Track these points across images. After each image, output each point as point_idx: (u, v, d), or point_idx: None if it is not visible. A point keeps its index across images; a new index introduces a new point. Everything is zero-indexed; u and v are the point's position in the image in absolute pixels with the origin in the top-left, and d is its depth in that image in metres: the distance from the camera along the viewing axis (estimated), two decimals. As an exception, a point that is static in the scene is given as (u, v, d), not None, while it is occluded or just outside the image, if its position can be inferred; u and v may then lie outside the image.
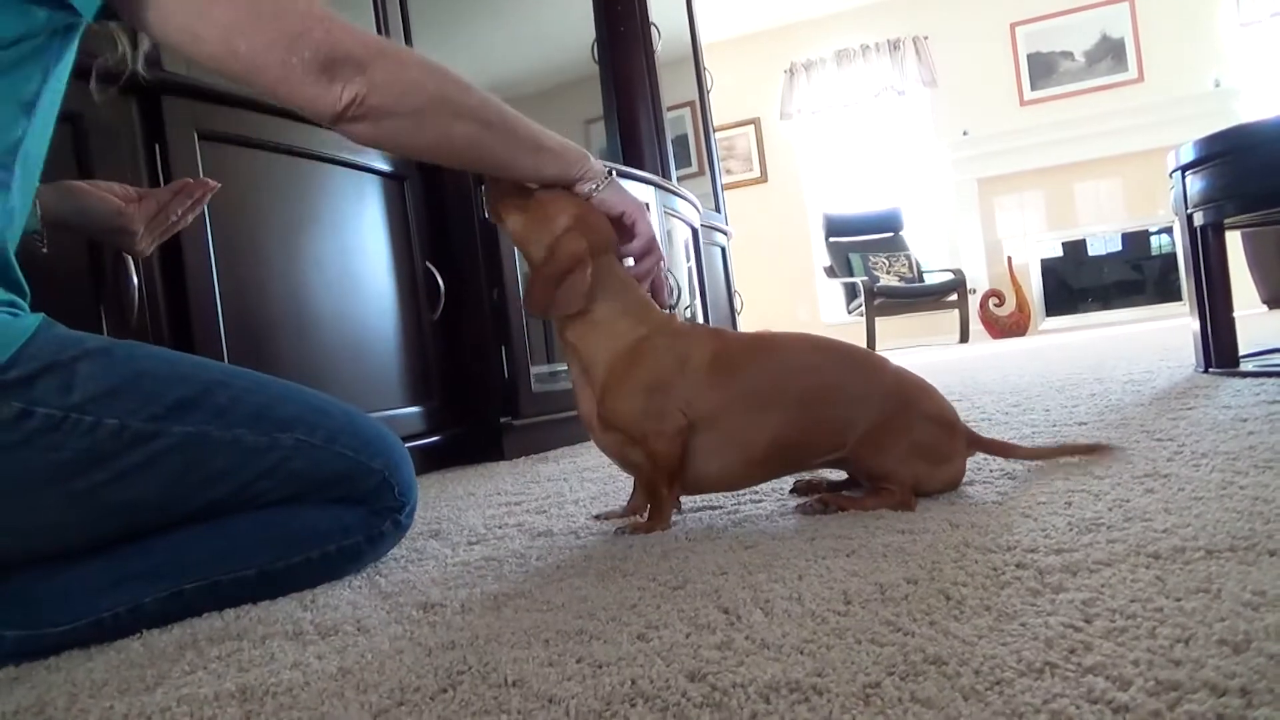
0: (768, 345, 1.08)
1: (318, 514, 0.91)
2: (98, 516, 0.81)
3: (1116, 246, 7.18)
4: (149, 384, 0.81)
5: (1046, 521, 0.84)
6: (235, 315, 1.54)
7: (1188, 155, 2.00)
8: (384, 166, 1.92)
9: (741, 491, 1.19)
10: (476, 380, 2.04)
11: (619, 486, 1.39)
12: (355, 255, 1.83)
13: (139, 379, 0.81)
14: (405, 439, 1.82)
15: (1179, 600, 0.58)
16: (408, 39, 2.09)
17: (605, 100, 3.38)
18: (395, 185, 1.97)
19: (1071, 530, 0.80)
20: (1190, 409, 1.50)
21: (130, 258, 1.35)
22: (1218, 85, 6.70)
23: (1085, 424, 1.48)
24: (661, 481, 1.00)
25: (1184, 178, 2.03)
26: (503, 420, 2.02)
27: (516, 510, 1.29)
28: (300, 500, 0.91)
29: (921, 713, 0.47)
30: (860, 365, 1.09)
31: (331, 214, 1.79)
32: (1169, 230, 6.89)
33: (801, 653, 0.57)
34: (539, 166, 0.98)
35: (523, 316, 2.07)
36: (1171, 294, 6.95)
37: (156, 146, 1.45)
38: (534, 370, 2.10)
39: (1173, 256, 6.91)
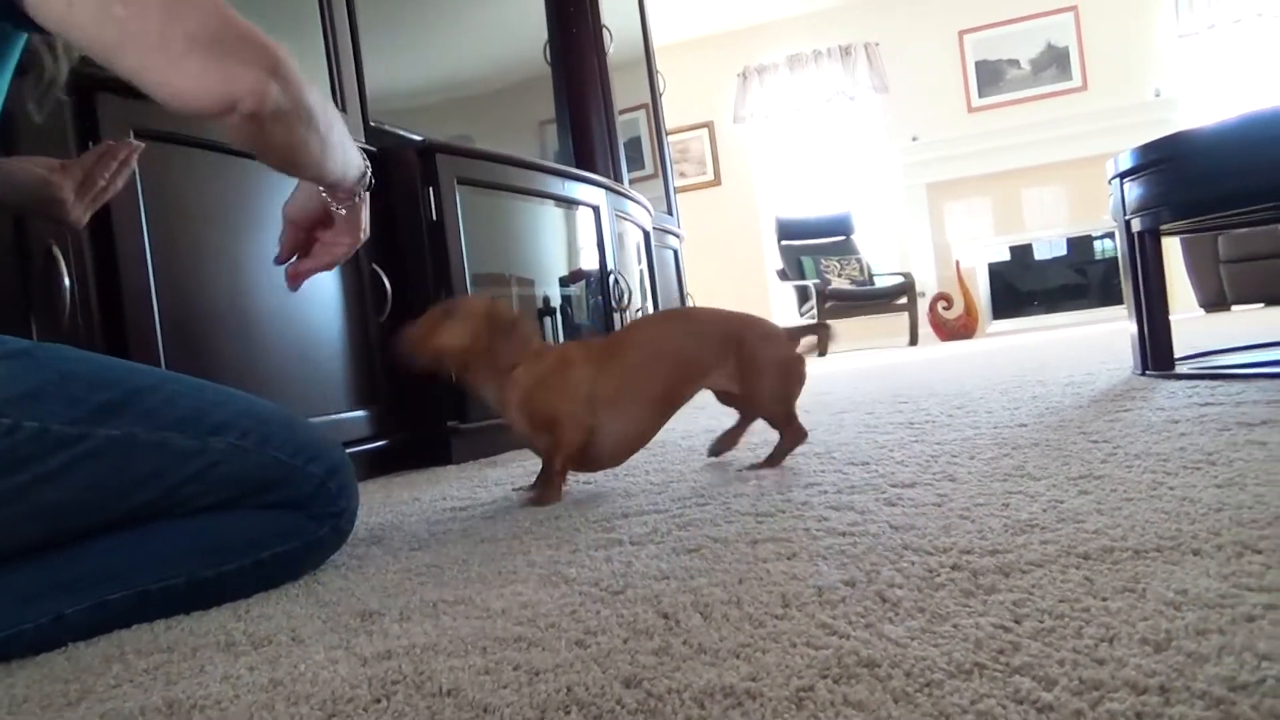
0: (624, 336, 1.44)
1: (252, 520, 0.89)
2: (17, 522, 0.78)
3: (1061, 251, 7.35)
4: (73, 387, 0.79)
5: (983, 523, 0.85)
6: (173, 317, 1.51)
7: (1126, 163, 2.05)
8: (329, 166, 1.90)
9: (688, 497, 1.20)
10: (423, 384, 2.02)
11: (566, 490, 1.38)
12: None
13: (63, 381, 0.79)
14: (351, 443, 1.80)
15: (1105, 600, 0.60)
16: (354, 39, 2.07)
17: (557, 102, 3.37)
18: (341, 186, 1.94)
19: (1007, 531, 0.81)
20: (1126, 411, 1.54)
21: (61, 258, 1.32)
22: (1158, 95, 6.89)
23: (1026, 425, 1.51)
24: (559, 463, 1.30)
25: (1123, 185, 2.08)
26: (450, 424, 2.01)
27: (461, 515, 1.27)
28: (234, 506, 0.90)
29: (853, 715, 0.48)
30: (695, 318, 1.45)
31: (275, 215, 1.75)
32: (1112, 235, 7.07)
33: (737, 657, 0.58)
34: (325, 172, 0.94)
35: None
36: (1114, 297, 7.13)
37: (91, 145, 1.41)
38: (483, 373, 2.08)
39: (1115, 261, 7.10)
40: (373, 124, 2.11)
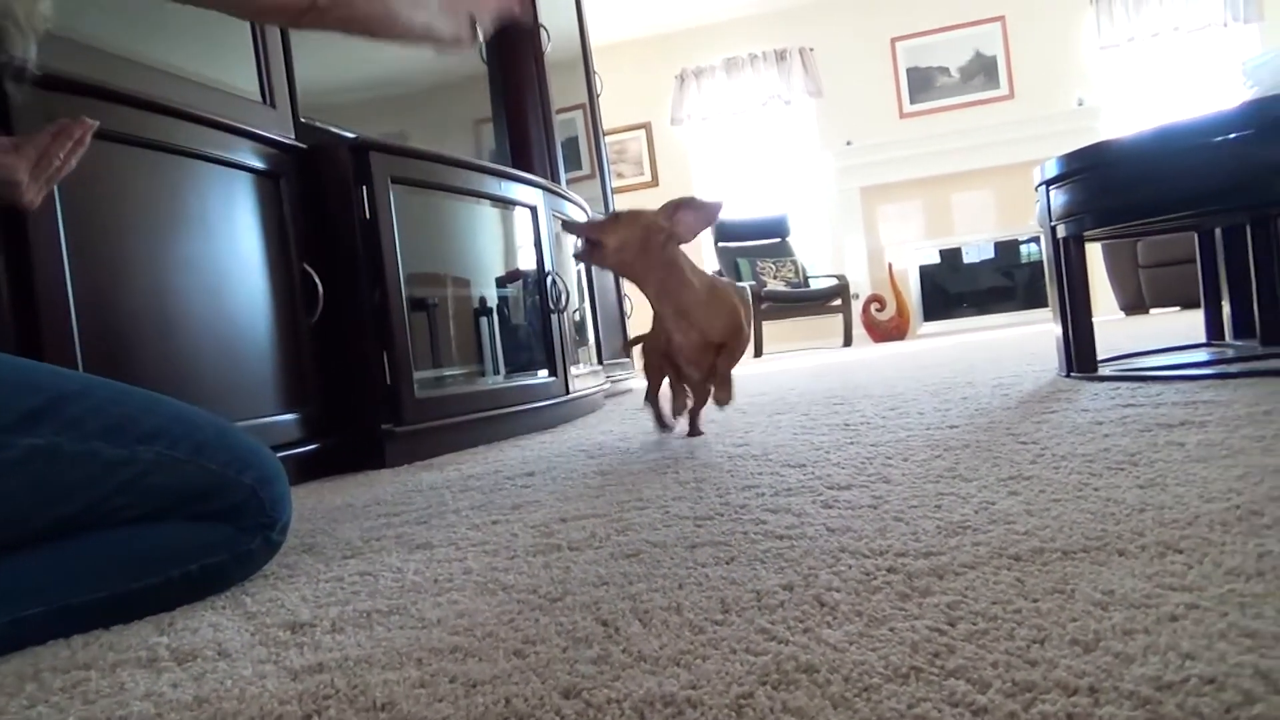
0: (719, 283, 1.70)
1: (179, 531, 0.86)
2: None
3: (989, 254, 7.54)
4: (-9, 394, 0.76)
5: (917, 525, 0.87)
6: (92, 320, 1.45)
7: (1051, 170, 2.11)
8: (258, 164, 1.85)
9: (626, 501, 1.20)
10: (357, 386, 1.99)
11: (504, 495, 1.37)
12: (226, 256, 1.75)
13: (-22, 388, 0.75)
14: (280, 447, 1.76)
15: (1036, 601, 0.61)
16: (284, 34, 2.02)
17: (494, 101, 3.34)
18: (270, 183, 1.89)
19: (940, 533, 0.82)
20: (1053, 412, 1.58)
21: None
22: (1081, 104, 7.11)
23: (957, 427, 1.54)
24: (735, 363, 1.67)
25: (1048, 192, 2.14)
26: (384, 427, 1.97)
27: (395, 521, 1.25)
28: (162, 517, 0.86)
29: (792, 722, 0.48)
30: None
31: (201, 212, 1.71)
32: (1037, 240, 7.28)
33: (678, 664, 0.57)
34: None
35: (405, 319, 2.02)
36: (1039, 300, 7.33)
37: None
38: (417, 375, 2.05)
39: (1041, 264, 7.31)
40: (303, 120, 2.06)
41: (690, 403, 1.82)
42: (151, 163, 1.61)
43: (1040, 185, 2.19)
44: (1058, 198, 2.11)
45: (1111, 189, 1.96)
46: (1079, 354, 2.14)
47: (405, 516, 1.28)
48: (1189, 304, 5.99)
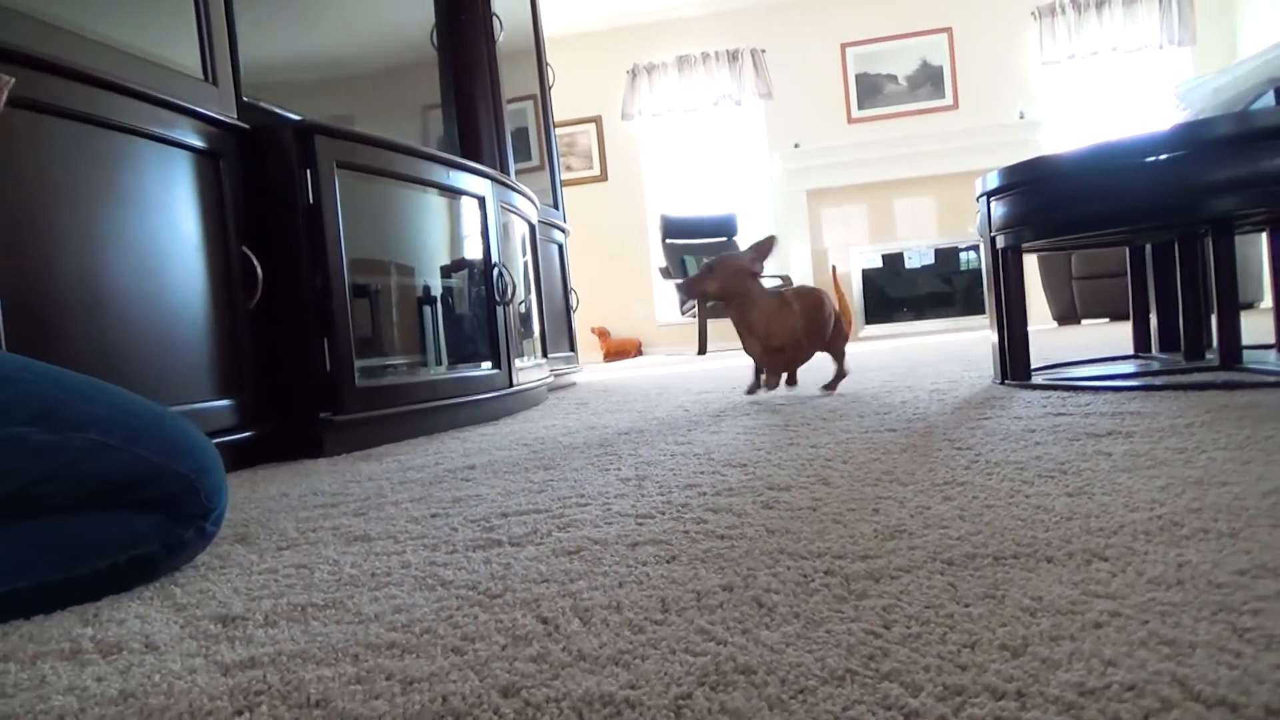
0: (790, 295, 2.30)
1: (109, 521, 0.84)
2: None
3: (930, 260, 7.68)
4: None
5: (855, 528, 0.88)
6: (17, 300, 1.40)
7: (993, 182, 2.16)
8: (197, 143, 1.80)
9: (568, 497, 1.20)
10: (295, 373, 1.95)
11: (445, 488, 1.36)
12: (162, 236, 1.70)
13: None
14: (214, 433, 1.72)
15: (968, 606, 0.63)
16: (228, 6, 1.97)
17: (444, 88, 3.30)
18: (210, 163, 1.84)
19: (877, 537, 0.84)
20: (987, 419, 1.62)
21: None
22: (1022, 117, 7.29)
23: (895, 431, 1.57)
24: (782, 364, 2.26)
25: (989, 203, 2.19)
26: (323, 416, 1.94)
27: (333, 512, 1.23)
28: (92, 505, 0.84)
29: (729, 723, 0.48)
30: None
31: (136, 191, 1.65)
32: (976, 248, 7.45)
33: (617, 664, 0.58)
34: None
35: (348, 306, 1.99)
36: (976, 307, 7.50)
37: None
38: (359, 364, 2.02)
39: (979, 272, 7.48)
40: (246, 100, 2.01)
41: (763, 381, 2.38)
42: (85, 137, 1.55)
43: (981, 196, 2.24)
44: (998, 209, 2.16)
45: (1049, 203, 2.02)
46: (1014, 362, 2.20)
47: (343, 508, 1.26)
48: (1118, 316, 6.18)
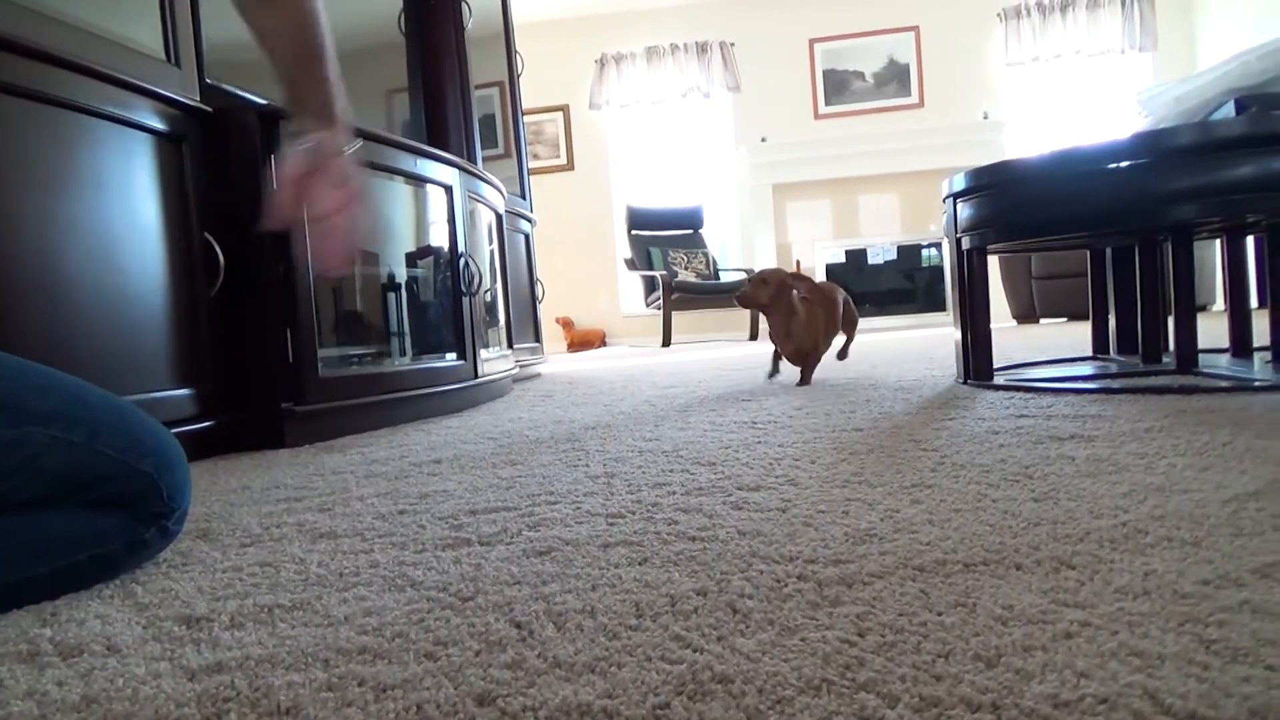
0: (824, 295, 2.68)
1: (69, 519, 0.81)
2: None
3: (892, 256, 7.76)
4: None
5: (826, 531, 0.89)
6: (-31, 280, 1.36)
7: (960, 184, 2.18)
8: (158, 125, 1.76)
9: (537, 494, 1.19)
10: (257, 362, 1.91)
11: (411, 483, 1.34)
12: (121, 221, 1.66)
13: None
14: (173, 423, 1.69)
15: (940, 615, 0.63)
16: (193, -14, 1.92)
17: (411, 73, 3.26)
18: (172, 146, 1.80)
19: (848, 540, 0.84)
20: (951, 419, 1.64)
21: None
22: (986, 117, 7.38)
23: (862, 430, 1.58)
24: (816, 363, 2.62)
25: (955, 204, 2.22)
26: (285, 406, 1.91)
27: (297, 508, 1.21)
28: (51, 503, 0.81)
29: (708, 735, 0.48)
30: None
31: (94, 173, 1.61)
32: (938, 245, 7.53)
33: (593, 671, 0.57)
34: (335, 85, 0.91)
35: (311, 295, 1.95)
36: (937, 304, 7.60)
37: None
38: (322, 354, 1.99)
39: (940, 269, 7.57)
40: (209, 82, 1.97)
41: (780, 369, 2.88)
42: (41, 117, 1.51)
43: (948, 198, 2.26)
44: (964, 211, 2.18)
45: (1014, 206, 2.04)
46: (976, 362, 2.23)
47: (307, 503, 1.24)
48: (1077, 316, 6.29)
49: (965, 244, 2.19)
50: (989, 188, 2.10)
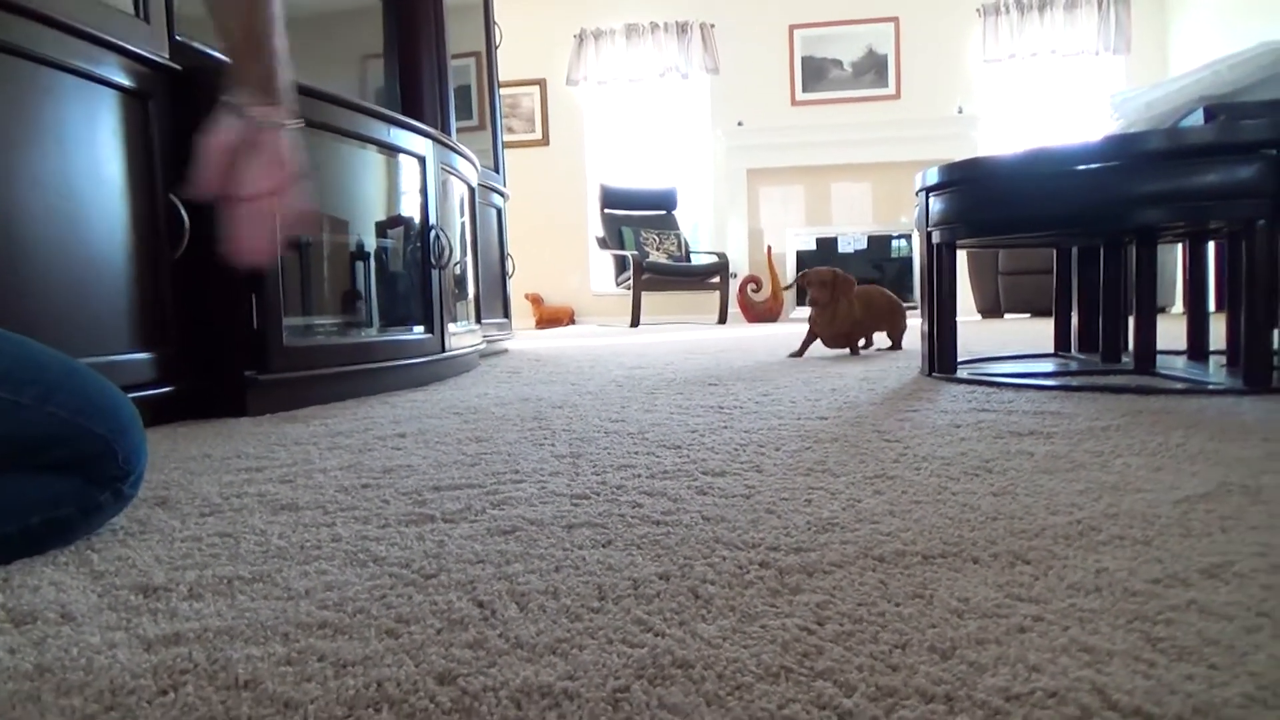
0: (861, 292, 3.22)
1: (20, 482, 0.80)
2: None
3: (862, 246, 7.80)
4: None
5: (788, 519, 0.90)
6: (-76, 233, 1.32)
7: (932, 178, 2.19)
8: (125, 81, 1.72)
9: (502, 472, 1.19)
10: (221, 328, 1.89)
11: (375, 456, 1.34)
12: (84, 179, 1.63)
13: None
14: (133, 387, 1.66)
15: (898, 605, 0.64)
16: (165, -60, 1.87)
17: (387, 38, 3.21)
18: (137, 103, 1.76)
19: (810, 529, 0.85)
20: (915, 411, 1.66)
21: None
22: (961, 111, 7.43)
23: (826, 419, 1.60)
24: (856, 345, 3.23)
25: (927, 198, 2.23)
26: (248, 374, 1.88)
27: (258, 478, 1.20)
28: (1, 467, 0.80)
29: (667, 719, 0.49)
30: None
31: (58, 129, 1.57)
32: (908, 236, 7.59)
33: (554, 653, 0.58)
34: (281, 58, 0.86)
35: (278, 262, 1.93)
36: (905, 294, 7.65)
37: None
38: (287, 322, 1.97)
39: (908, 260, 7.62)
40: (179, 39, 1.92)
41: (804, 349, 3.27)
42: (4, 68, 1.47)
43: (920, 191, 2.27)
44: (935, 205, 2.20)
45: (985, 203, 2.06)
46: (941, 356, 2.25)
47: (269, 473, 1.23)
48: (1040, 312, 6.38)
49: (935, 238, 2.21)
50: (961, 183, 2.12)
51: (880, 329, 3.37)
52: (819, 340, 3.21)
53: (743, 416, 1.66)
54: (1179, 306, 6.18)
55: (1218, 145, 1.80)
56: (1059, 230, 2.09)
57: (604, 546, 0.82)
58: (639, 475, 1.14)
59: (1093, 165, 1.89)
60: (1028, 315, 6.48)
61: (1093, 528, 0.82)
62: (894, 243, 7.74)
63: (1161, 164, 1.83)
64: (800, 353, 3.21)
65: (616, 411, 1.79)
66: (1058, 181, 1.93)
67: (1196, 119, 2.09)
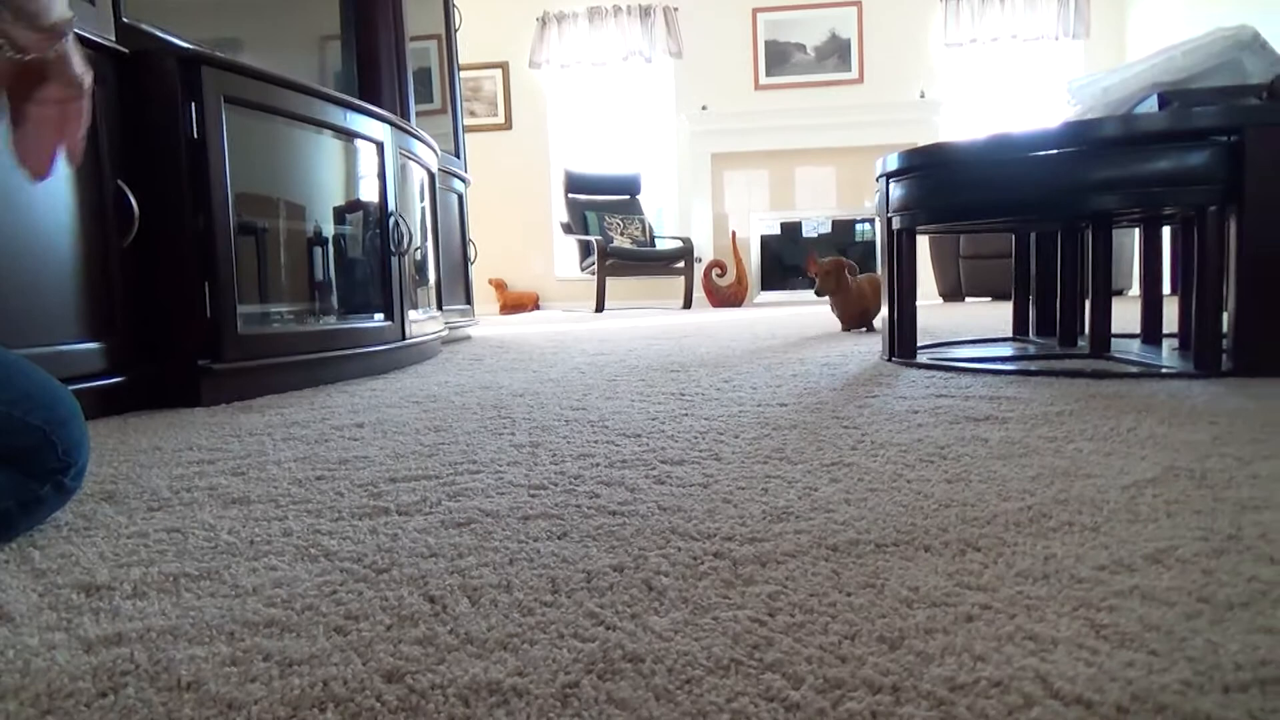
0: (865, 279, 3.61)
1: (-44, 478, 0.78)
2: None
3: (826, 230, 7.84)
4: None
5: (745, 508, 0.90)
6: None
7: (893, 164, 2.21)
8: (70, 63, 1.67)
9: (460, 463, 1.18)
10: (173, 316, 1.85)
11: (331, 447, 1.32)
12: (27, 163, 1.58)
13: None
14: (81, 378, 1.63)
15: (850, 595, 0.65)
16: (110, -82, 1.82)
17: (344, 19, 3.15)
18: (84, 86, 1.72)
19: (765, 519, 0.86)
20: (874, 397, 1.68)
21: None
22: (923, 96, 7.47)
23: (786, 405, 1.61)
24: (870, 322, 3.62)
25: (888, 184, 2.24)
26: (201, 363, 1.85)
27: (209, 470, 1.18)
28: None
29: (616, 714, 0.49)
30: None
31: (-2, 111, 1.53)
32: (871, 221, 7.63)
33: (505, 649, 0.57)
34: None
35: (232, 248, 1.89)
36: (868, 280, 7.71)
37: None
38: (242, 309, 1.93)
39: (872, 244, 7.67)
40: (126, 20, 1.88)
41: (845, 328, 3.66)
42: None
43: (881, 177, 2.29)
44: (896, 191, 2.21)
45: (944, 189, 2.08)
46: (901, 341, 2.27)
47: (220, 465, 1.21)
48: (1000, 296, 6.45)
49: (895, 224, 2.23)
50: (921, 169, 2.13)
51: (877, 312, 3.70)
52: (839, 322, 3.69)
53: (704, 403, 1.67)
54: (1136, 290, 6.29)
55: (1170, 132, 1.82)
56: (1018, 216, 2.11)
57: (559, 539, 0.82)
58: (597, 464, 1.14)
59: (1050, 151, 1.91)
60: (989, 299, 6.56)
61: (1043, 514, 0.84)
62: (858, 227, 7.79)
63: (1116, 151, 1.85)
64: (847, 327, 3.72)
65: (577, 399, 1.78)
66: (1016, 168, 1.95)
67: (1151, 105, 2.11)
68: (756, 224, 7.79)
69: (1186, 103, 2.01)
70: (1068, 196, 1.91)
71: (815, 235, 7.83)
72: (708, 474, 1.07)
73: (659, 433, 1.36)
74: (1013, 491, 0.93)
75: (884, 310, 2.34)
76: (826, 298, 3.62)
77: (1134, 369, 1.94)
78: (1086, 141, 1.88)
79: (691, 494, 0.97)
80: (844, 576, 0.69)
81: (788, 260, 7.85)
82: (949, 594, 0.64)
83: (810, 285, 3.77)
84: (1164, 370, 1.88)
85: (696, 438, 1.31)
